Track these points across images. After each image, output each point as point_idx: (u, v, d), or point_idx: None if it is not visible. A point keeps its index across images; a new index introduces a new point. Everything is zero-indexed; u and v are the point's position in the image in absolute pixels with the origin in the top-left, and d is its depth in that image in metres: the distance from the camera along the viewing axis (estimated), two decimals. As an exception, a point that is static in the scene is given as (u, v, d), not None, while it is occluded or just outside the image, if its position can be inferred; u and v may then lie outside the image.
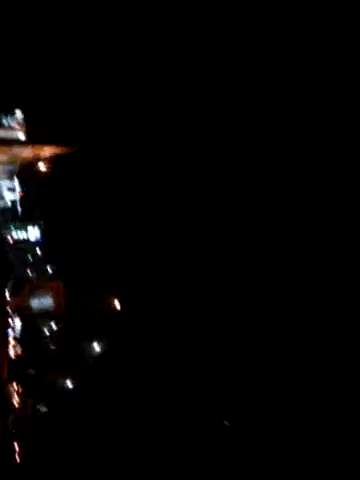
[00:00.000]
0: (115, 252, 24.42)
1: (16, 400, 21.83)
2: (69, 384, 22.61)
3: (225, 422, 19.03)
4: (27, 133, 23.82)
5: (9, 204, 30.15)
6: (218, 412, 19.20)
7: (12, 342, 23.27)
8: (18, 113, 23.88)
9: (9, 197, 30.05)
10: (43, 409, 22.10)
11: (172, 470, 18.85)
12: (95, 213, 25.04)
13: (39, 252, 29.67)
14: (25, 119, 23.71)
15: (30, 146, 23.91)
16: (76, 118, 23.00)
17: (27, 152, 24.36)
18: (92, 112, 22.60)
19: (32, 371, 22.41)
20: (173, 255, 22.44)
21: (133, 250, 23.97)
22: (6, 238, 28.02)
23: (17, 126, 23.96)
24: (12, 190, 30.31)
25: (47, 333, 24.66)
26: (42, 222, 29.07)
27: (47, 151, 24.05)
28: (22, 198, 30.02)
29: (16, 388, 22.03)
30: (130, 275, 23.85)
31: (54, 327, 24.90)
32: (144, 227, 23.56)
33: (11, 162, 26.56)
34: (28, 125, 23.69)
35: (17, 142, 23.89)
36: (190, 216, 22.03)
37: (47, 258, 29.10)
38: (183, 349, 21.34)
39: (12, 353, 22.87)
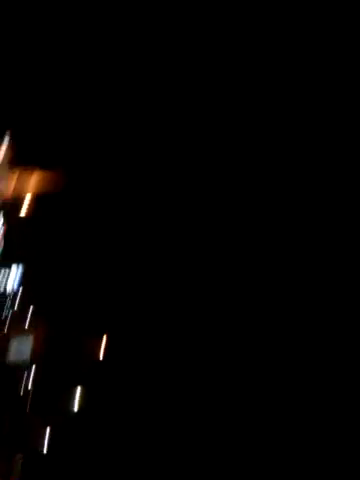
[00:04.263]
0: (102, 297, 22.53)
1: None
2: (44, 442, 20.28)
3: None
4: (14, 158, 22.02)
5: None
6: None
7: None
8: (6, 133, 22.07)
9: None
10: (17, 468, 19.67)
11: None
12: (82, 255, 23.16)
13: (19, 296, 27.75)
14: (13, 142, 21.93)
15: (17, 173, 22.00)
16: (69, 147, 21.24)
17: (12, 180, 22.44)
18: (87, 140, 20.87)
19: (6, 425, 20.10)
20: (167, 307, 20.62)
21: (122, 297, 22.05)
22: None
23: (3, 149, 22.14)
24: (-5, 226, 28.44)
25: (23, 384, 22.54)
26: (25, 263, 27.26)
27: (35, 181, 22.15)
28: (5, 235, 28.15)
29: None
30: (119, 322, 21.88)
31: (31, 376, 22.76)
32: (135, 273, 21.75)
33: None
34: (15, 149, 21.90)
35: (2, 167, 22.03)
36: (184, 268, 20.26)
37: (27, 303, 27.18)
38: (179, 408, 19.39)
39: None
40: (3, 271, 26.50)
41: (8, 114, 20.94)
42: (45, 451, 19.99)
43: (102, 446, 20.07)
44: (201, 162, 18.65)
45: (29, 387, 22.00)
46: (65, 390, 21.31)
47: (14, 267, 26.33)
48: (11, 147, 21.94)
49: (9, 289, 25.59)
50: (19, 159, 22.00)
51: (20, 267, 26.18)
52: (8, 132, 21.94)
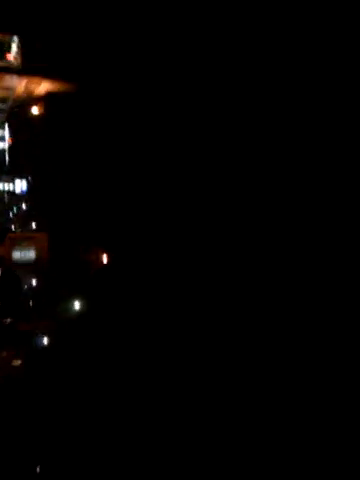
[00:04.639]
0: (106, 208, 22.71)
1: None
2: (45, 339, 20.96)
3: None
4: (23, 64, 22.02)
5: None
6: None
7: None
8: (14, 39, 22.02)
9: (-3, 145, 28.48)
10: (17, 363, 20.44)
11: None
12: (89, 166, 23.25)
13: (24, 205, 28.18)
14: (22, 47, 21.91)
15: (25, 80, 22.03)
16: (80, 52, 21.09)
17: (21, 87, 22.51)
18: (100, 46, 20.69)
19: (8, 320, 20.78)
20: (169, 217, 20.74)
21: (127, 210, 22.21)
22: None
23: (12, 54, 22.15)
24: (1, 138, 28.63)
25: (26, 285, 23.26)
26: (30, 175, 27.56)
27: (44, 87, 22.21)
28: (11, 146, 28.35)
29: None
30: (121, 232, 22.15)
31: (34, 280, 23.46)
32: (140, 184, 21.81)
33: (2, 99, 24.75)
34: (25, 55, 21.86)
35: (10, 71, 22.04)
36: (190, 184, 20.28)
37: (33, 211, 27.58)
38: (175, 315, 19.71)
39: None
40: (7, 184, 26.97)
41: (17, 19, 20.77)
42: (45, 347, 20.68)
43: (101, 347, 20.60)
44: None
45: (32, 285, 22.77)
46: (66, 293, 21.80)
47: (17, 180, 26.76)
48: (20, 53, 21.94)
49: (18, 191, 26.15)
50: (27, 65, 21.95)
51: (23, 181, 26.63)
52: (17, 38, 21.91)
